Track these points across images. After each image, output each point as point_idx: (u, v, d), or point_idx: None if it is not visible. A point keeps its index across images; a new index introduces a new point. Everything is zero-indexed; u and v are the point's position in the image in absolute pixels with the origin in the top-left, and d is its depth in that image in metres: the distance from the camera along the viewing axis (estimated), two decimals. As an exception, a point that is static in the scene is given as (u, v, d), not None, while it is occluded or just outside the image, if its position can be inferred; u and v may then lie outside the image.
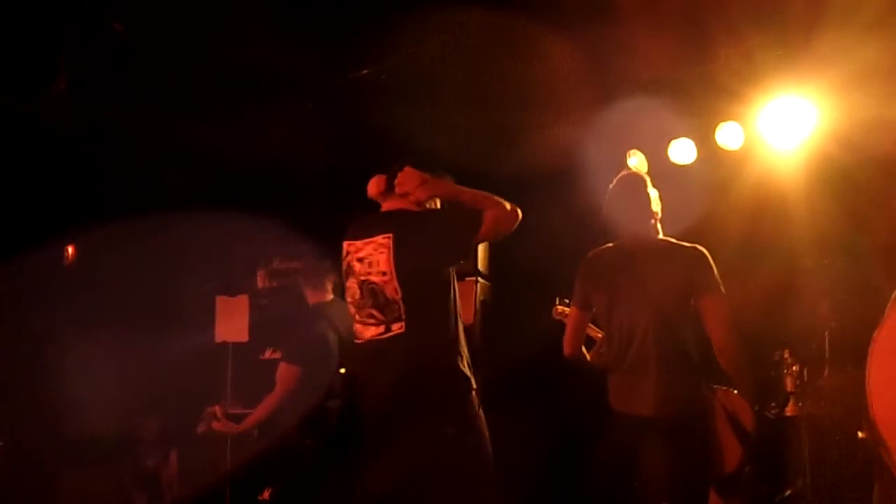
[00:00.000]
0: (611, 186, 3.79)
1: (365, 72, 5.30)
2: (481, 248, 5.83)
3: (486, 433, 3.28)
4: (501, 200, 3.30)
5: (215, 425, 4.73)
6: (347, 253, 3.42)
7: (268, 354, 5.96)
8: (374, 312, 3.30)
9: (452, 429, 3.18)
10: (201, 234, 6.63)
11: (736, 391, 3.88)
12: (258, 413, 4.62)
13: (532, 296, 5.09)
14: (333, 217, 6.33)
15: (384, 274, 3.29)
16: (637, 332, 3.62)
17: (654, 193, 3.76)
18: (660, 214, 3.76)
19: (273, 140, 5.77)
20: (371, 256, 3.34)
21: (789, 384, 4.66)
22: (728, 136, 5.45)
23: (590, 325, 4.05)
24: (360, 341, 3.38)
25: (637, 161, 5.58)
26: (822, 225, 5.04)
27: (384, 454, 3.26)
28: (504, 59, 5.13)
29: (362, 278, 3.34)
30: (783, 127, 5.27)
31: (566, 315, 4.01)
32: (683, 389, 3.58)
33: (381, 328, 3.29)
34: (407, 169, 3.38)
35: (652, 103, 5.22)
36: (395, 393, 3.25)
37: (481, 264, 5.81)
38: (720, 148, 5.48)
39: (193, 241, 6.54)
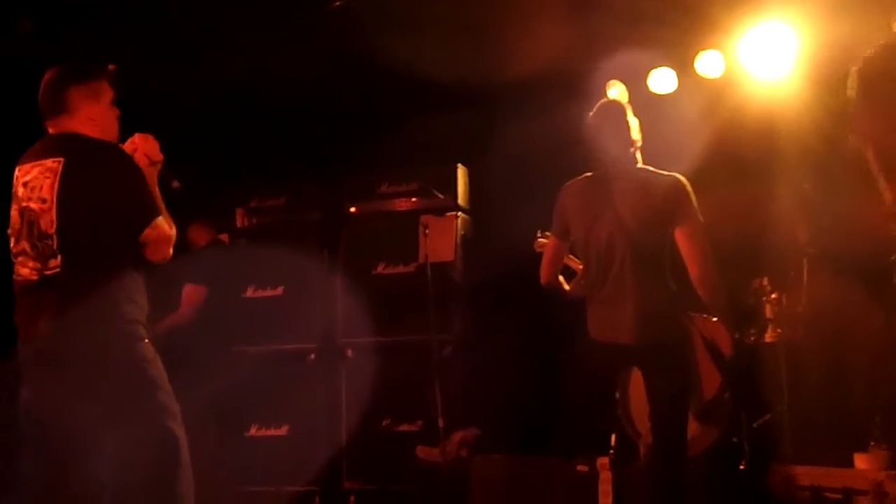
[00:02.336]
0: (590, 114, 3.76)
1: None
2: (461, 184, 5.81)
3: (160, 386, 2.98)
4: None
5: None
6: (16, 178, 3.05)
7: (250, 292, 5.96)
8: (27, 246, 2.97)
9: (107, 383, 2.89)
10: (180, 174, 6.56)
11: (714, 318, 3.91)
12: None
13: (513, 229, 5.08)
14: (315, 151, 6.32)
15: (44, 202, 2.95)
16: (614, 261, 3.62)
17: (634, 122, 3.74)
18: (639, 143, 3.74)
19: (253, 73, 5.67)
20: (35, 181, 2.99)
21: (768, 311, 4.69)
22: (708, 64, 5.41)
23: (570, 256, 4.06)
24: (15, 281, 3.04)
25: (617, 91, 5.52)
26: (802, 153, 5.03)
27: (40, 405, 2.94)
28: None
29: (23, 204, 3.00)
30: (764, 55, 5.23)
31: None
32: (661, 317, 3.60)
33: (36, 265, 2.96)
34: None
35: (631, 32, 5.16)
36: (48, 338, 2.92)
37: (461, 199, 5.80)
38: (700, 77, 5.44)
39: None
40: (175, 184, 3.21)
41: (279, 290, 5.91)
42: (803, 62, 5.17)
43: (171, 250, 3.04)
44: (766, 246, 4.98)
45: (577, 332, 3.88)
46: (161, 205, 3.07)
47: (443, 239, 5.58)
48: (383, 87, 5.91)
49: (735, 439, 4.46)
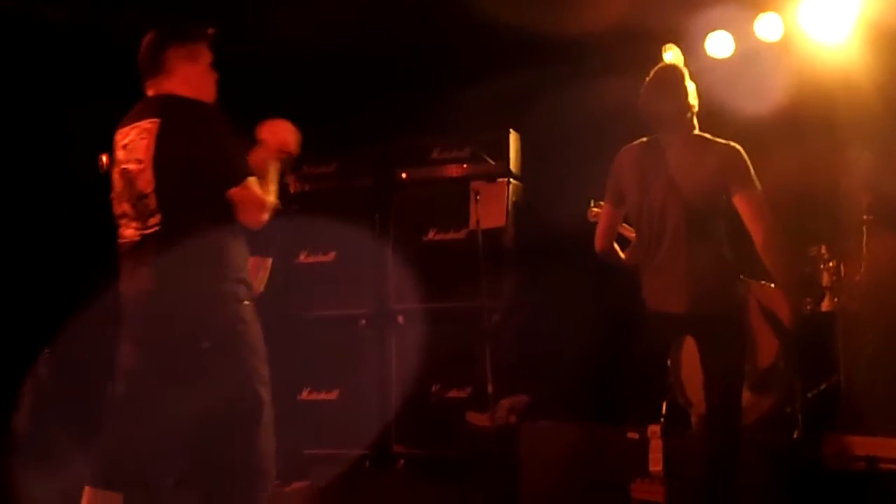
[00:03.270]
0: (647, 79, 3.71)
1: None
2: (513, 150, 5.78)
3: (254, 349, 3.01)
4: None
5: None
6: (116, 142, 3.08)
7: (302, 258, 6.00)
8: (127, 207, 3.01)
9: (207, 343, 2.90)
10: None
11: (773, 285, 3.85)
12: None
13: (564, 196, 5.06)
14: (367, 118, 6.33)
15: (140, 162, 2.97)
16: (668, 229, 3.59)
17: (691, 87, 3.68)
18: (696, 109, 3.68)
19: (304, 40, 5.67)
20: (132, 142, 3.01)
21: (825, 279, 4.61)
22: (767, 27, 5.30)
23: (625, 225, 4.02)
24: (121, 241, 3.09)
25: (673, 55, 5.44)
26: (864, 118, 4.92)
27: (138, 368, 3.00)
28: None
29: (122, 166, 3.03)
30: (824, 17, 5.11)
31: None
32: (716, 286, 3.57)
33: (135, 225, 3.00)
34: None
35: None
36: (146, 298, 2.98)
37: (513, 165, 5.76)
38: (759, 40, 5.33)
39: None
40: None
41: (331, 256, 5.94)
42: (864, 25, 5.04)
43: (264, 216, 3.00)
44: (824, 213, 4.90)
45: (629, 299, 3.86)
46: (257, 171, 3.04)
47: (494, 205, 5.57)
48: (435, 53, 5.88)
49: (789, 409, 4.42)
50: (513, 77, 5.46)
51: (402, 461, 5.59)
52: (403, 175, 5.90)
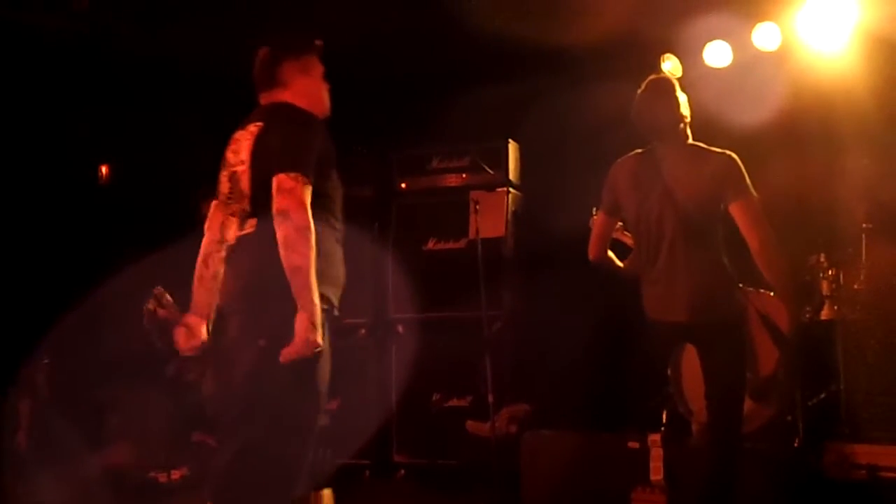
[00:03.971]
0: (639, 91, 3.72)
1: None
2: (512, 159, 5.79)
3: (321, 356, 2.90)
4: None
5: (160, 312, 4.91)
6: (228, 147, 3.15)
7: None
8: (234, 207, 3.08)
9: (264, 341, 2.87)
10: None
11: (771, 293, 3.85)
12: None
13: (564, 205, 5.06)
14: (367, 127, 6.34)
15: (242, 163, 3.05)
16: (665, 239, 3.59)
17: (682, 98, 3.69)
18: (689, 119, 3.69)
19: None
20: (239, 145, 3.08)
21: (825, 288, 4.62)
22: (765, 37, 5.31)
23: (625, 232, 4.03)
24: (225, 243, 3.14)
25: (671, 65, 5.47)
26: (862, 127, 4.93)
27: (221, 361, 3.11)
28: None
29: (232, 169, 3.09)
30: (822, 26, 5.13)
31: (599, 223, 3.98)
32: (715, 294, 3.57)
33: (239, 225, 3.06)
34: None
35: (686, 4, 5.09)
36: (228, 299, 3.07)
37: (512, 174, 5.78)
38: (757, 50, 5.35)
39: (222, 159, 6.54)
40: None
41: (330, 266, 5.94)
42: (862, 34, 5.06)
43: (293, 214, 2.81)
44: (823, 221, 4.91)
45: (628, 308, 3.86)
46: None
47: (493, 215, 5.58)
48: (434, 63, 5.90)
49: (790, 417, 4.42)
50: (511, 87, 5.47)
51: (402, 471, 5.60)
52: (403, 185, 5.92)
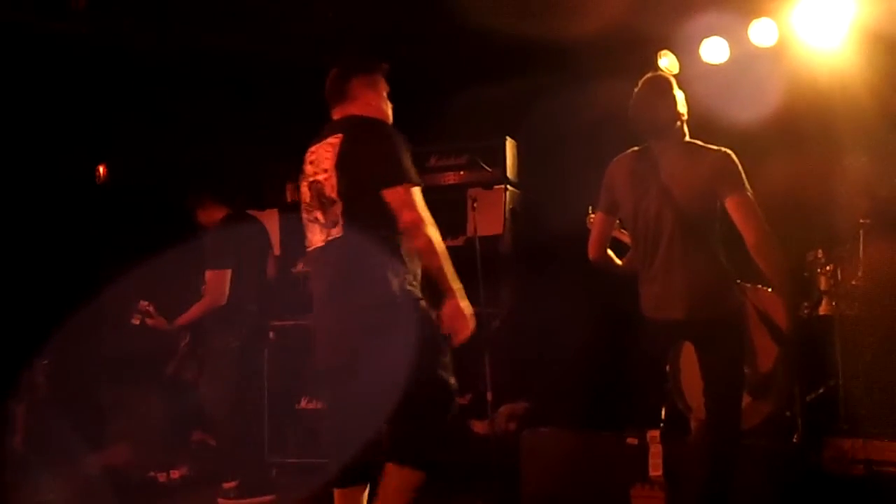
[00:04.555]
0: (636, 89, 3.72)
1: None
2: (509, 157, 5.79)
3: (431, 340, 3.25)
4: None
5: (149, 321, 5.04)
6: (305, 158, 3.44)
7: (300, 268, 6.00)
8: (318, 214, 3.34)
9: (380, 339, 3.19)
10: (229, 151, 6.62)
11: (770, 290, 3.86)
12: (190, 314, 5.11)
13: (562, 202, 5.06)
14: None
15: (326, 172, 3.31)
16: (663, 236, 3.60)
17: (680, 95, 3.69)
18: (686, 116, 3.69)
19: (301, 47, 5.69)
20: (318, 156, 3.37)
21: (823, 284, 4.62)
22: (762, 33, 5.32)
23: (622, 230, 4.03)
24: (308, 248, 3.42)
25: (668, 62, 5.47)
26: (859, 123, 4.93)
27: (322, 361, 3.37)
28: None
29: (310, 179, 3.38)
30: (819, 23, 5.13)
31: (596, 221, 3.98)
32: (713, 291, 3.57)
33: (325, 233, 3.32)
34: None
35: (682, 1, 5.10)
36: (328, 300, 3.33)
37: (510, 172, 5.77)
38: (754, 46, 5.35)
39: (221, 159, 6.55)
40: None
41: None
42: (859, 30, 5.06)
43: (420, 224, 3.21)
44: (821, 218, 4.91)
45: (627, 305, 3.86)
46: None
47: (491, 212, 5.58)
48: (432, 61, 5.89)
49: (788, 413, 4.42)
50: (509, 84, 5.48)
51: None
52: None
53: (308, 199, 3.39)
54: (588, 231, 3.99)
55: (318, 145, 3.39)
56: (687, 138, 3.70)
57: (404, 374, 3.14)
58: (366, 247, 3.21)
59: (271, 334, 5.80)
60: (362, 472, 3.35)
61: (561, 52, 5.41)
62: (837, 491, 4.16)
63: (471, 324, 3.25)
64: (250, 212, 5.58)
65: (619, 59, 5.20)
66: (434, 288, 3.28)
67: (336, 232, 3.29)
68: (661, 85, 3.71)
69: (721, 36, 5.47)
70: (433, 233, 3.24)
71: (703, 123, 3.81)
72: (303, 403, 5.89)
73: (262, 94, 6.24)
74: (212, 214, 5.23)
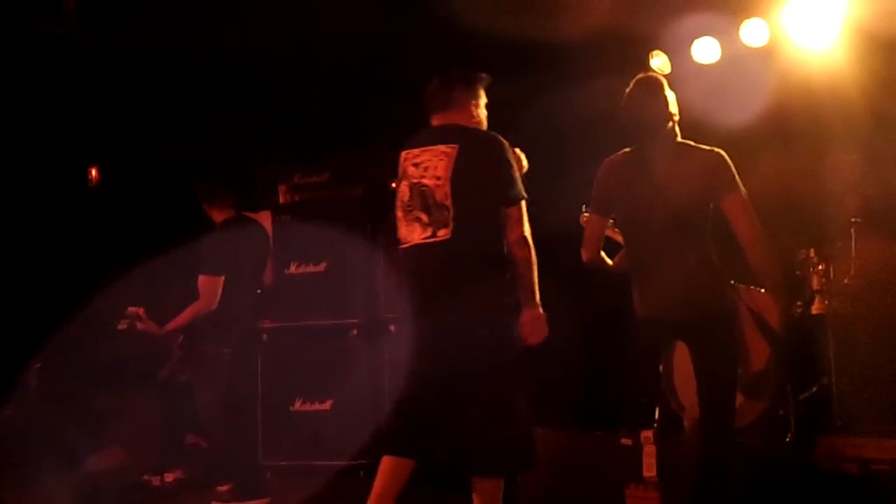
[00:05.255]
0: (627, 90, 3.73)
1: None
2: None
3: (516, 353, 3.54)
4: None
5: (139, 325, 5.04)
6: (404, 160, 3.62)
7: (293, 269, 6.00)
8: (421, 215, 3.48)
9: (486, 331, 3.42)
10: (221, 153, 6.62)
11: (762, 289, 3.87)
12: (181, 318, 5.09)
13: (556, 202, 5.06)
14: (358, 127, 6.34)
15: (438, 178, 3.47)
16: (655, 237, 3.60)
17: (671, 96, 3.70)
18: (677, 117, 3.70)
19: (296, 49, 5.69)
20: (428, 162, 3.52)
21: (815, 282, 4.63)
22: (753, 33, 5.33)
23: (616, 229, 4.04)
24: (405, 245, 3.56)
25: (660, 62, 5.48)
26: (850, 122, 4.95)
27: (424, 353, 3.51)
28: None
29: (414, 181, 3.52)
30: (810, 23, 5.14)
31: (588, 221, 3.98)
32: (705, 290, 3.57)
33: (429, 231, 3.47)
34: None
35: (674, 1, 5.11)
36: (434, 297, 3.48)
37: (503, 173, 5.77)
38: (745, 46, 5.36)
39: (212, 160, 6.54)
40: None
41: (322, 266, 5.92)
42: (850, 30, 5.07)
43: (529, 240, 3.51)
44: (812, 216, 4.92)
45: (619, 306, 3.87)
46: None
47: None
48: (424, 62, 5.89)
49: (781, 412, 4.43)
50: (502, 84, 5.46)
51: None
52: (394, 184, 5.90)
53: (407, 199, 3.55)
54: (581, 229, 4.00)
55: (424, 149, 3.56)
56: (679, 139, 3.70)
57: (499, 371, 3.46)
58: (475, 252, 3.45)
59: (265, 336, 5.81)
60: (420, 445, 3.51)
61: (553, 53, 5.42)
62: (831, 489, 4.16)
63: (545, 332, 3.56)
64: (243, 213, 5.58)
65: (612, 59, 5.21)
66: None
67: (443, 234, 3.46)
68: (653, 85, 3.71)
69: (712, 36, 5.49)
70: (533, 247, 3.52)
71: (694, 123, 3.82)
72: (297, 405, 5.88)
73: (255, 95, 6.24)
74: (216, 213, 5.22)
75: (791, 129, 5.20)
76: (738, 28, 5.35)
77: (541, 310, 3.54)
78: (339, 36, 5.59)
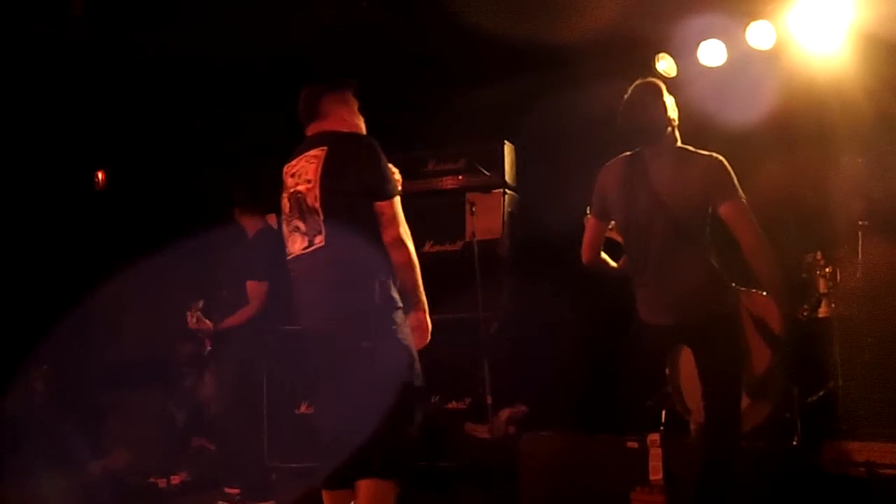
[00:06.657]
0: (626, 95, 3.72)
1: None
2: (507, 161, 5.79)
3: (408, 347, 3.35)
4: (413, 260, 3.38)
5: (192, 325, 5.03)
6: (284, 173, 3.52)
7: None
8: (300, 224, 3.40)
9: (368, 342, 3.29)
10: (227, 158, 6.63)
11: (764, 293, 3.87)
12: (234, 319, 5.08)
13: (560, 205, 5.06)
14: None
15: (309, 182, 3.39)
16: (655, 242, 3.59)
17: (670, 101, 3.69)
18: (676, 122, 3.69)
19: (300, 52, 5.69)
20: (301, 168, 3.44)
21: (822, 286, 4.62)
22: (759, 35, 5.32)
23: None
24: (289, 257, 3.47)
25: (666, 64, 5.48)
26: (856, 125, 4.94)
27: (312, 366, 3.44)
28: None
29: (291, 190, 3.45)
30: (816, 26, 5.13)
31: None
32: (706, 295, 3.56)
33: (306, 241, 3.38)
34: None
35: (680, 3, 5.10)
36: (316, 307, 3.39)
37: (508, 176, 5.78)
38: (751, 48, 5.36)
39: (219, 166, 6.56)
40: None
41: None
42: (856, 33, 5.06)
43: (400, 234, 3.35)
44: (819, 220, 4.91)
45: (625, 309, 3.86)
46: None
47: (490, 216, 5.59)
48: (429, 65, 5.90)
49: (787, 415, 4.42)
50: (507, 88, 5.48)
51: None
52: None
53: (288, 210, 3.47)
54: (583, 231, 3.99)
55: (298, 159, 3.48)
56: (678, 144, 3.69)
57: (388, 380, 3.25)
58: (350, 255, 3.31)
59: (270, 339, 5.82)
60: (350, 475, 3.35)
61: (559, 55, 5.41)
62: (837, 493, 4.16)
63: (428, 337, 3.43)
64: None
65: (617, 61, 5.20)
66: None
67: (319, 241, 3.35)
68: (652, 90, 3.71)
69: (718, 38, 5.48)
70: (412, 247, 3.38)
71: (700, 126, 3.82)
72: (302, 408, 5.89)
73: (260, 98, 6.24)
74: (249, 219, 5.26)
75: (797, 131, 5.19)
76: (745, 31, 5.34)
77: (424, 313, 3.42)
78: (344, 38, 5.59)
